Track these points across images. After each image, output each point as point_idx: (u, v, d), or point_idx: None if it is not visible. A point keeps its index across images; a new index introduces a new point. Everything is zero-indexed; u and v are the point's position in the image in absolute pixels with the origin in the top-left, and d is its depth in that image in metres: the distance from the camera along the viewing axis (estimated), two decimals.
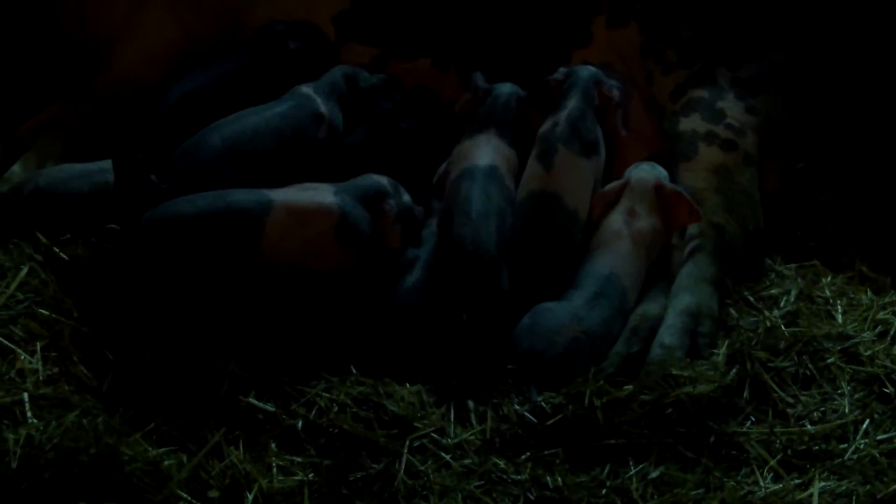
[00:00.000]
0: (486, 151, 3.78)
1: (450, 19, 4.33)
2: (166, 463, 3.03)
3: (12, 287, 3.51)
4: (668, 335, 3.51)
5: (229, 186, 3.60)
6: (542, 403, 3.24)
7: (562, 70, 4.01)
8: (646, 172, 3.82)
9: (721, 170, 3.87)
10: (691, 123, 3.97)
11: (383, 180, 3.76)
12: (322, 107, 3.92)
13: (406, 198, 3.76)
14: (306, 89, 3.97)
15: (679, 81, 4.09)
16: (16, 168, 4.07)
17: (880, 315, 3.64)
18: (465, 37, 4.31)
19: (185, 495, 2.96)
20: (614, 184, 3.81)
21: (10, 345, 3.33)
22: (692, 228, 3.75)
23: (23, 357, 3.30)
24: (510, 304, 3.48)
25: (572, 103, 3.87)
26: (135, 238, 3.47)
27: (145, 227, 3.47)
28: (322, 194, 3.63)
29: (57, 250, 3.68)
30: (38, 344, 3.35)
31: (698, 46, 4.12)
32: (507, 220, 3.61)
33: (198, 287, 3.45)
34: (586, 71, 3.98)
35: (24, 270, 3.57)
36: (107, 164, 3.87)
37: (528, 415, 3.22)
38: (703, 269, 3.67)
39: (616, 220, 3.71)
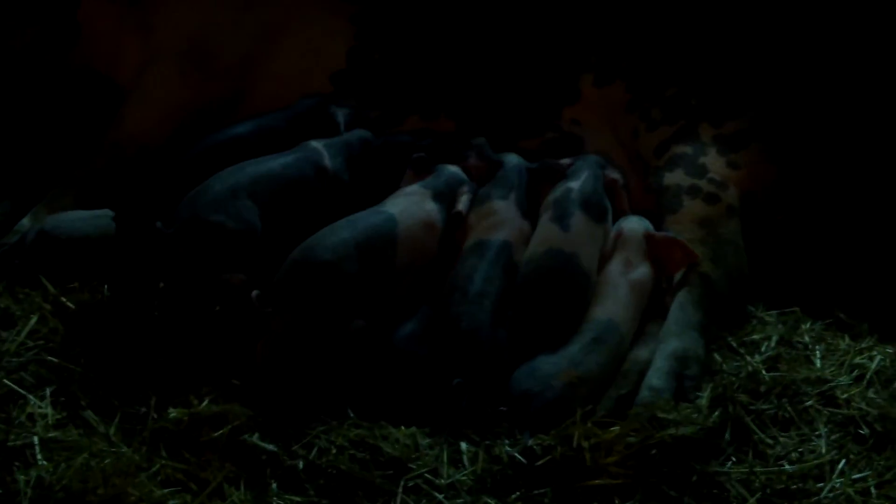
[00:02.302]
0: (505, 224, 3.86)
1: (441, 78, 4.45)
2: (171, 503, 3.07)
3: (23, 335, 3.61)
4: (656, 378, 3.59)
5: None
6: (533, 445, 3.29)
7: (568, 159, 4.11)
8: (635, 224, 3.92)
9: (705, 222, 3.97)
10: (675, 178, 4.08)
11: (458, 172, 4.00)
12: (327, 160, 3.99)
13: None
14: (315, 143, 4.05)
15: (663, 138, 4.20)
16: (25, 221, 4.17)
17: (857, 360, 3.72)
18: (455, 95, 4.43)
19: None
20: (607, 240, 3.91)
21: (20, 390, 3.41)
22: (679, 276, 3.85)
23: (33, 402, 3.37)
24: (507, 368, 3.54)
25: (584, 175, 3.98)
26: (281, 281, 3.54)
27: (302, 255, 3.56)
28: (427, 203, 3.84)
29: (64, 300, 3.78)
30: (47, 389, 3.42)
31: (682, 104, 4.23)
32: (503, 300, 3.65)
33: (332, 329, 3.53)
34: (592, 157, 4.11)
35: (34, 319, 3.67)
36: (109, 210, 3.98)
37: (519, 456, 3.27)
38: (689, 316, 3.76)
39: (613, 269, 3.80)
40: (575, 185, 3.94)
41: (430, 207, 3.85)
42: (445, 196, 3.91)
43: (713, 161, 4.11)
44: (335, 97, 4.37)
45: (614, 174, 4.11)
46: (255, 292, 3.49)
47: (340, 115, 4.23)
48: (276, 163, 3.91)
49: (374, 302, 3.60)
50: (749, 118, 4.21)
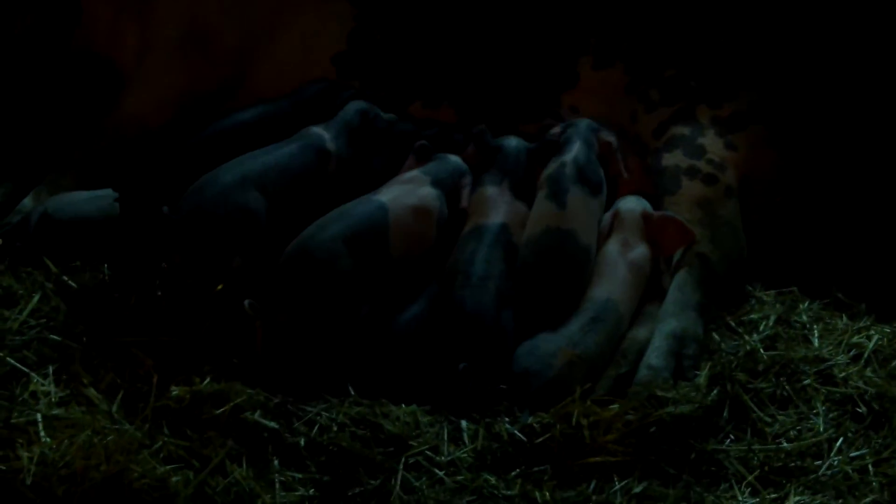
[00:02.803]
0: (499, 208, 3.88)
1: (442, 63, 4.46)
2: (173, 479, 3.08)
3: (25, 313, 3.63)
4: (654, 357, 3.62)
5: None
6: (532, 423, 3.32)
7: (559, 125, 4.14)
8: (632, 204, 3.94)
9: (704, 203, 3.98)
10: (674, 159, 4.09)
11: (459, 161, 3.99)
12: (329, 143, 4.01)
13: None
14: (316, 129, 4.06)
15: (662, 119, 4.21)
16: (27, 201, 4.19)
17: (854, 339, 3.75)
18: (456, 79, 4.44)
19: None
20: (606, 216, 3.93)
21: (23, 368, 3.43)
22: (679, 257, 3.87)
23: (36, 380, 3.39)
24: (511, 349, 3.57)
25: (576, 147, 3.99)
26: (282, 268, 3.57)
27: (294, 255, 3.58)
28: (422, 188, 3.84)
29: (66, 279, 3.80)
30: (50, 367, 3.44)
31: (680, 86, 4.25)
32: (507, 280, 3.68)
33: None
34: (584, 122, 4.11)
35: (37, 298, 3.69)
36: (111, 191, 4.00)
37: (518, 433, 3.30)
38: (688, 296, 3.79)
39: (612, 249, 3.83)
40: (568, 158, 3.96)
41: (425, 192, 3.86)
42: (445, 183, 3.92)
43: (711, 142, 4.12)
44: (341, 83, 4.39)
45: (608, 136, 4.12)
46: (247, 301, 3.50)
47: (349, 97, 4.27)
48: (281, 152, 3.93)
49: (374, 290, 3.62)
50: (747, 100, 4.23)
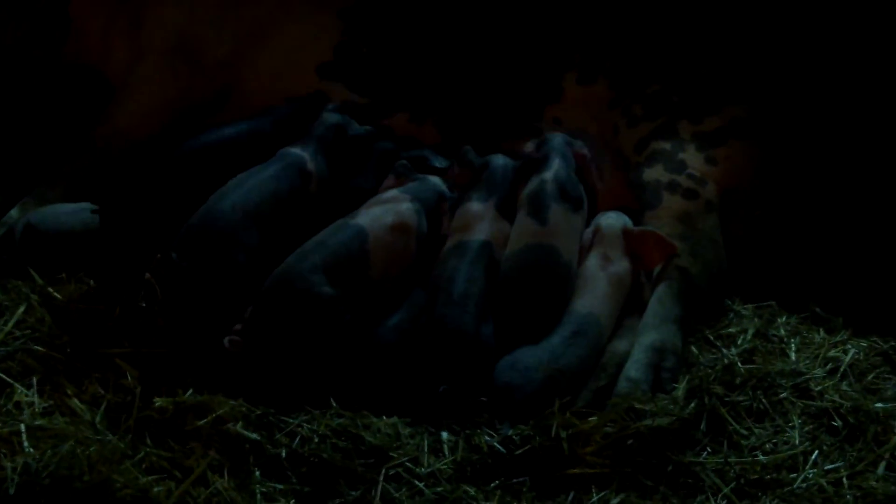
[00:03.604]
0: (482, 225, 3.88)
1: (428, 77, 4.48)
2: (155, 490, 3.10)
3: (10, 325, 3.65)
4: (633, 369, 3.64)
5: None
6: (512, 435, 3.35)
7: (532, 141, 4.16)
8: (613, 219, 3.96)
9: (684, 217, 4.01)
10: (655, 174, 4.12)
11: (440, 184, 4.01)
12: (310, 164, 4.02)
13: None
14: (294, 150, 4.06)
15: (643, 134, 4.24)
16: (13, 212, 4.20)
17: (831, 353, 3.78)
18: (440, 94, 4.46)
19: None
20: (586, 231, 3.95)
21: (7, 379, 3.46)
22: (658, 271, 3.89)
23: (20, 390, 3.41)
24: (492, 363, 3.58)
25: (556, 164, 4.00)
26: (264, 298, 3.59)
27: (275, 292, 3.59)
28: (401, 204, 3.87)
29: (51, 290, 3.81)
30: (34, 378, 3.46)
31: (663, 101, 4.27)
32: (488, 299, 3.69)
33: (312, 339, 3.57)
34: (557, 137, 4.12)
35: (21, 309, 3.72)
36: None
37: (498, 445, 3.32)
38: (668, 310, 3.81)
39: (592, 264, 3.85)
40: (548, 175, 3.97)
41: (404, 208, 3.87)
42: (425, 200, 3.94)
43: (692, 157, 4.15)
44: (321, 99, 4.41)
45: (582, 149, 4.13)
46: (226, 339, 3.53)
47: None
48: (265, 177, 3.93)
49: (354, 306, 3.63)
50: (729, 116, 4.25)
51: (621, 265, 3.86)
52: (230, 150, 4.09)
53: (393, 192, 3.96)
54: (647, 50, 4.43)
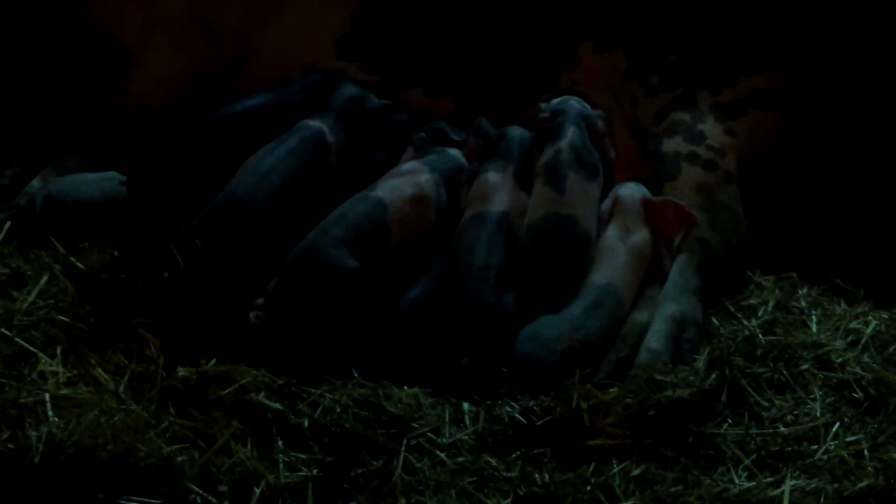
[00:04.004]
0: (501, 196, 3.89)
1: (441, 43, 4.47)
2: (179, 459, 3.11)
3: (33, 295, 3.68)
4: (654, 340, 3.65)
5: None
6: (533, 406, 3.36)
7: (546, 106, 4.14)
8: (632, 190, 3.97)
9: (704, 188, 4.00)
10: (674, 145, 4.11)
11: (458, 156, 4.00)
12: (328, 136, 4.03)
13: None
14: (313, 122, 4.07)
15: (662, 105, 4.23)
16: (35, 182, 4.23)
17: (852, 325, 3.78)
18: (456, 65, 4.45)
19: (196, 489, 3.05)
20: (605, 202, 3.95)
21: (31, 348, 3.47)
22: (678, 242, 3.89)
23: (44, 360, 3.43)
24: (513, 333, 3.59)
25: (570, 132, 4.00)
26: (287, 273, 3.61)
27: (299, 267, 3.61)
28: (420, 175, 3.87)
29: (73, 260, 3.83)
30: (58, 348, 3.48)
31: (681, 71, 4.26)
32: (508, 269, 3.70)
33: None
34: (572, 104, 4.12)
35: (45, 279, 3.73)
36: (116, 173, 4.04)
37: (519, 416, 3.33)
38: (688, 281, 3.81)
39: (611, 235, 3.85)
40: (563, 143, 3.97)
41: (423, 179, 3.88)
42: (444, 171, 3.94)
43: (711, 129, 4.15)
44: (339, 73, 4.40)
45: (595, 119, 4.13)
46: (251, 314, 3.55)
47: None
48: (284, 151, 3.93)
49: (375, 280, 3.65)
50: (747, 86, 4.24)
51: (641, 236, 3.87)
52: (252, 122, 4.10)
53: (412, 164, 3.96)
54: (663, 18, 4.40)
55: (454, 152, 4.06)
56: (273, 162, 3.89)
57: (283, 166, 3.88)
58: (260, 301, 3.58)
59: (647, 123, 4.25)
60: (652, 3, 4.43)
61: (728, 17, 4.36)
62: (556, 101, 4.19)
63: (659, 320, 3.71)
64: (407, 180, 3.87)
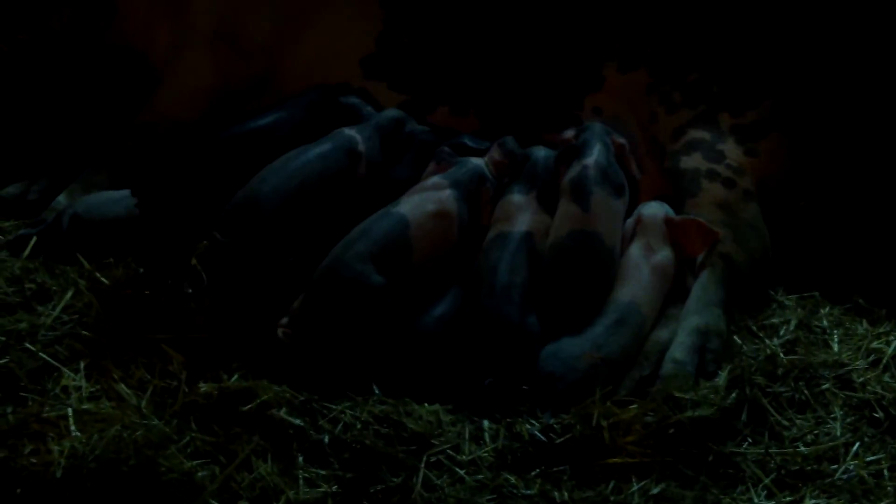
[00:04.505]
0: (524, 216, 3.90)
1: (464, 66, 4.48)
2: (200, 474, 3.14)
3: (58, 309, 3.70)
4: (679, 351, 3.65)
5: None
6: (553, 423, 3.36)
7: (571, 129, 4.16)
8: (654, 209, 3.97)
9: (725, 205, 4.00)
10: (693, 162, 4.11)
11: (480, 166, 4.00)
12: (361, 146, 4.05)
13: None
14: (348, 131, 4.10)
15: (682, 122, 4.23)
16: (61, 198, 4.26)
17: (874, 345, 3.76)
18: (481, 85, 4.46)
19: None
20: (628, 221, 3.96)
21: (55, 363, 3.50)
22: (701, 258, 3.88)
23: (67, 375, 3.46)
24: (537, 352, 3.60)
25: (596, 150, 4.01)
26: (314, 288, 3.63)
27: (326, 282, 3.63)
28: (441, 192, 3.88)
29: (98, 275, 3.86)
30: (81, 363, 3.51)
31: (704, 90, 4.26)
32: (529, 288, 3.70)
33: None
34: (597, 125, 4.14)
35: (69, 294, 3.76)
36: None
37: (539, 434, 3.34)
38: (711, 295, 3.80)
39: (635, 253, 3.85)
40: (589, 161, 3.98)
41: (445, 195, 3.89)
42: (464, 184, 3.94)
43: (731, 149, 4.15)
44: (341, 88, 4.43)
45: (620, 139, 4.14)
46: (280, 330, 3.58)
47: (354, 101, 4.32)
48: (314, 154, 3.97)
49: (398, 296, 3.66)
50: (769, 107, 4.23)
51: (664, 254, 3.87)
52: (265, 137, 4.11)
53: (434, 179, 3.97)
54: (687, 38, 4.40)
55: (476, 163, 4.06)
56: (301, 164, 3.92)
57: (306, 171, 3.91)
58: (285, 320, 3.60)
59: (664, 140, 4.25)
60: (676, 23, 4.43)
61: (750, 38, 4.36)
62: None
63: (683, 332, 3.71)
64: (429, 196, 3.88)
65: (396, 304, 3.65)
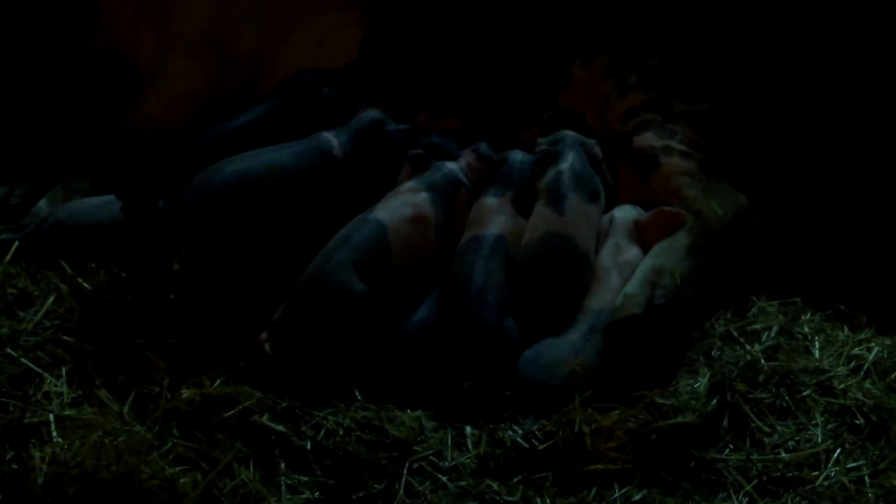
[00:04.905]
0: (497, 219, 3.91)
1: (443, 72, 4.52)
2: (182, 481, 3.13)
3: (39, 315, 3.68)
4: (630, 286, 3.72)
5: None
6: (535, 430, 3.37)
7: (545, 139, 4.18)
8: (626, 211, 4.02)
9: (688, 171, 4.06)
10: (647, 140, 4.16)
11: (455, 170, 4.01)
12: (337, 150, 4.08)
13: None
14: (326, 134, 4.13)
15: (633, 105, 4.27)
16: (42, 203, 4.25)
17: (855, 351, 3.76)
18: (459, 87, 4.49)
19: None
20: (602, 222, 3.99)
21: (37, 369, 3.48)
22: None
23: (49, 380, 3.44)
24: (515, 354, 3.62)
25: (571, 156, 4.05)
26: (298, 299, 3.63)
27: (307, 288, 3.63)
28: (417, 196, 3.89)
29: (80, 280, 3.84)
30: (63, 368, 3.49)
31: (661, 76, 4.29)
32: (505, 291, 3.72)
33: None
34: (570, 134, 4.16)
35: (51, 299, 3.74)
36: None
37: (521, 440, 3.35)
38: (674, 241, 3.87)
39: (605, 256, 3.89)
40: (564, 166, 4.01)
41: (421, 199, 3.90)
42: (440, 188, 3.96)
43: (682, 129, 4.19)
44: (322, 78, 4.42)
45: (593, 148, 4.16)
46: (263, 337, 3.58)
47: (330, 93, 4.35)
48: (287, 151, 4.01)
49: (380, 303, 3.67)
50: (724, 97, 4.29)
51: (633, 252, 3.90)
52: (244, 138, 4.13)
53: (410, 184, 3.98)
54: (647, 34, 4.44)
55: (451, 167, 4.07)
56: (271, 157, 3.98)
57: (278, 161, 3.97)
58: (265, 335, 3.60)
59: (615, 125, 4.29)
60: (637, 21, 4.47)
61: (713, 34, 4.41)
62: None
63: (639, 271, 3.78)
64: (405, 201, 3.89)
65: (379, 310, 3.65)
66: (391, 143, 4.19)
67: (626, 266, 3.85)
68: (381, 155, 4.17)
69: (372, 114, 4.28)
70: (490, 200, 3.99)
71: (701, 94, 4.27)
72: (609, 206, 4.08)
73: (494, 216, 3.92)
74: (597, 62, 4.42)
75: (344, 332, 3.58)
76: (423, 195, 3.91)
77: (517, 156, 4.14)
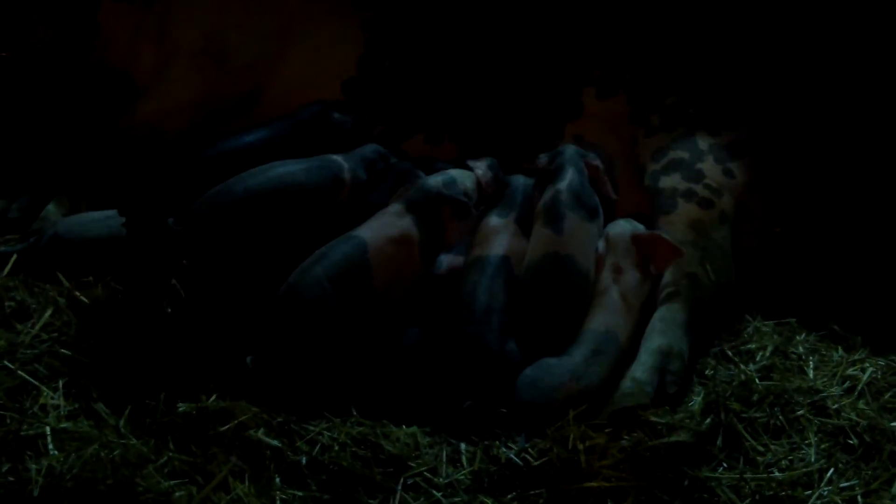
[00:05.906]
0: (501, 240, 3.92)
1: (448, 93, 4.52)
2: (177, 494, 3.14)
3: (37, 328, 3.71)
4: (639, 371, 3.65)
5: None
6: (529, 447, 3.38)
7: (545, 154, 4.19)
8: (621, 227, 3.99)
9: (698, 225, 4.02)
10: (672, 181, 4.14)
11: (436, 185, 3.99)
12: (346, 173, 4.08)
13: (458, 188, 4.02)
14: (336, 157, 4.12)
15: (661, 144, 4.26)
16: (51, 207, 4.29)
17: (849, 371, 3.78)
18: (460, 111, 4.50)
19: None
20: (599, 243, 3.97)
21: (34, 381, 3.50)
22: (667, 276, 3.89)
23: (46, 393, 3.46)
24: (516, 376, 3.61)
25: (569, 175, 4.05)
26: (275, 310, 3.64)
27: (284, 305, 3.64)
28: (403, 221, 3.87)
29: (78, 294, 3.87)
30: (60, 381, 3.51)
31: (681, 112, 4.30)
32: (508, 313, 3.72)
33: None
34: (570, 149, 4.16)
35: (49, 312, 3.77)
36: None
37: (515, 457, 3.35)
38: (675, 315, 3.82)
39: (605, 277, 3.87)
40: (562, 185, 4.02)
41: (405, 222, 3.89)
42: (419, 207, 3.93)
43: (710, 168, 4.17)
44: (337, 105, 4.44)
45: (594, 161, 4.18)
46: (248, 359, 3.59)
47: (342, 120, 4.35)
48: (298, 167, 4.00)
49: (361, 320, 3.68)
50: (746, 129, 4.27)
51: (632, 275, 3.88)
52: (249, 156, 4.11)
53: (396, 205, 3.98)
54: (664, 62, 4.44)
55: (433, 182, 4.04)
56: (282, 172, 3.97)
57: (290, 178, 3.96)
58: (249, 359, 3.61)
59: (645, 160, 4.28)
60: (653, 49, 4.47)
61: (728, 62, 4.41)
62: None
63: (645, 352, 3.72)
64: (389, 221, 3.89)
65: (359, 327, 3.66)
66: (397, 172, 4.19)
67: (628, 289, 3.84)
68: (384, 181, 4.18)
69: (376, 146, 4.28)
70: (494, 220, 4.01)
71: (723, 125, 4.27)
72: (609, 218, 4.09)
73: (498, 237, 3.94)
74: (615, 98, 4.42)
75: (318, 343, 3.59)
76: (407, 217, 3.90)
77: (520, 179, 4.18)
